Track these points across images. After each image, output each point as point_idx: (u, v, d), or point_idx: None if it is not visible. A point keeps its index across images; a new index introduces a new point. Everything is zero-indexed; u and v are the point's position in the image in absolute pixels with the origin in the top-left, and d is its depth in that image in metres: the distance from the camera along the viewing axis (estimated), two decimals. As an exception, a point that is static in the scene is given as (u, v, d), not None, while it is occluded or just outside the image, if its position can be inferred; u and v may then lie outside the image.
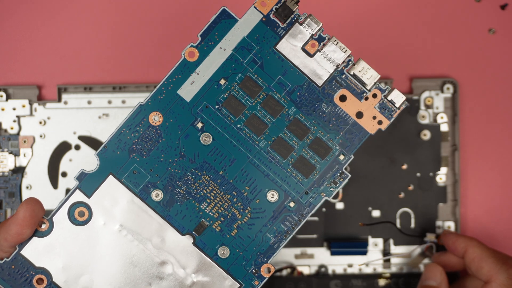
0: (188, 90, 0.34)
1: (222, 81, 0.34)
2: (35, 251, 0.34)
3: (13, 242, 0.33)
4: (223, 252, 0.35)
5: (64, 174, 0.50)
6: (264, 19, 0.34)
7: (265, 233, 0.35)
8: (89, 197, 0.34)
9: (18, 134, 0.50)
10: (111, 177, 0.34)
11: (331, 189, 0.35)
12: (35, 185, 0.50)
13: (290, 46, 0.34)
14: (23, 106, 0.50)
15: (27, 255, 0.34)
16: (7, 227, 0.33)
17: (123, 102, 0.50)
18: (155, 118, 0.34)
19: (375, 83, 0.34)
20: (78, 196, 0.34)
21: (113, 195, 0.34)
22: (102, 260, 0.34)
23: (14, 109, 0.50)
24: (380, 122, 0.34)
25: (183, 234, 0.34)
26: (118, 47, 0.51)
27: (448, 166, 0.51)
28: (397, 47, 0.52)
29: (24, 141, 0.50)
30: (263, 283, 0.35)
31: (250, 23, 0.34)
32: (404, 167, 0.51)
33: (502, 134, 0.52)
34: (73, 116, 0.50)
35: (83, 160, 0.50)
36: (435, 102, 0.51)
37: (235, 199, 0.35)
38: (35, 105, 0.50)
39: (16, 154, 0.50)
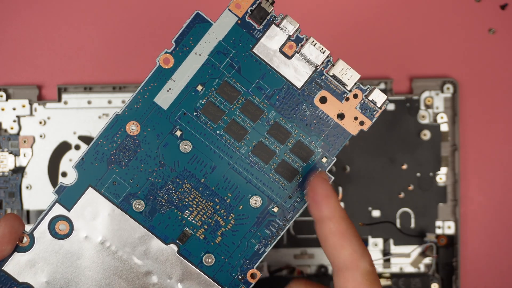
0: (164, 98, 0.33)
1: (199, 87, 0.33)
2: (17, 267, 0.33)
3: None
4: (208, 259, 0.34)
5: (64, 174, 0.50)
6: (239, 21, 0.33)
7: (250, 239, 0.34)
8: (69, 210, 0.33)
9: (18, 134, 0.49)
10: (90, 189, 0.33)
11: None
12: (35, 185, 0.50)
13: (267, 49, 0.33)
14: (23, 106, 0.50)
15: (9, 271, 0.33)
16: None
17: (123, 102, 0.50)
18: (133, 128, 0.33)
19: (355, 83, 0.33)
20: (58, 210, 0.33)
21: (94, 207, 0.33)
22: (87, 273, 0.33)
23: (14, 109, 0.49)
24: (362, 123, 0.33)
25: (166, 244, 0.34)
26: (118, 47, 0.51)
27: (448, 166, 0.50)
28: (397, 47, 0.52)
29: (24, 141, 0.50)
30: None
31: (225, 27, 0.33)
32: (404, 167, 0.50)
33: (502, 134, 0.52)
34: (73, 116, 0.50)
35: (83, 160, 0.50)
36: (435, 102, 0.51)
37: (218, 206, 0.34)
38: (35, 105, 0.49)
39: (16, 154, 0.49)
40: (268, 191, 0.34)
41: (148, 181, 0.34)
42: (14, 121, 0.49)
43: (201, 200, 0.34)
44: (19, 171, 0.49)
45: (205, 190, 0.34)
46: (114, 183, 0.33)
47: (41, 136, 0.49)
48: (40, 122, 0.49)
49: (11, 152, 0.49)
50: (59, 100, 0.49)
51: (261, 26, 0.33)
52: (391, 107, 0.50)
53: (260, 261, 0.34)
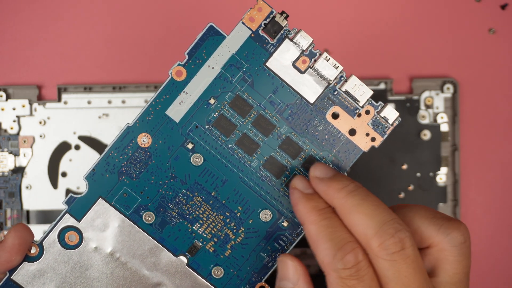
0: (176, 111, 0.33)
1: (212, 101, 0.33)
2: (26, 276, 0.33)
3: (2, 269, 0.32)
4: (217, 272, 0.34)
5: (64, 174, 0.50)
6: (253, 35, 0.32)
7: (259, 252, 0.34)
8: (79, 221, 0.33)
9: (18, 134, 0.49)
10: (100, 200, 0.33)
11: None
12: (35, 185, 0.49)
13: (281, 63, 0.32)
14: (23, 106, 0.49)
15: (18, 280, 0.33)
16: None
17: (123, 102, 0.50)
18: (144, 140, 0.33)
19: (367, 100, 0.33)
20: (68, 220, 0.33)
21: (104, 219, 0.33)
22: (95, 284, 0.33)
23: (14, 109, 0.49)
24: (373, 139, 0.33)
25: (176, 256, 0.33)
26: (118, 47, 0.51)
27: (448, 166, 0.50)
28: (397, 47, 0.51)
29: (24, 141, 0.49)
30: None
31: (238, 40, 0.32)
32: (404, 167, 0.50)
33: (502, 134, 0.52)
34: (73, 116, 0.50)
35: (83, 160, 0.50)
36: (435, 102, 0.50)
37: (228, 220, 0.33)
38: (35, 105, 0.49)
39: (16, 154, 0.49)
40: (278, 205, 0.34)
41: (159, 193, 0.33)
42: (14, 121, 0.49)
43: (212, 213, 0.33)
44: (19, 171, 0.49)
45: (216, 203, 0.33)
46: (124, 194, 0.33)
47: (41, 136, 0.49)
48: (40, 122, 0.49)
49: (11, 152, 0.49)
50: (59, 100, 0.49)
51: (275, 40, 0.32)
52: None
53: (268, 274, 0.34)
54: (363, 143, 0.33)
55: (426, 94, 0.50)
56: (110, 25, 0.50)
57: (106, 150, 0.33)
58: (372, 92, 0.33)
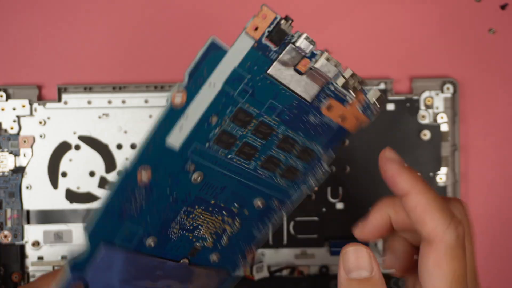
0: (176, 138, 0.30)
1: (213, 119, 0.31)
2: None
3: None
4: (215, 257, 0.35)
5: (64, 174, 0.50)
6: (255, 44, 0.30)
7: (251, 229, 0.35)
8: (84, 275, 0.31)
9: (18, 134, 0.49)
10: (102, 244, 0.31)
11: (313, 184, 0.34)
12: (35, 185, 0.50)
13: (282, 68, 0.31)
14: (23, 106, 0.49)
15: None
16: None
17: (123, 102, 0.50)
18: (143, 177, 0.30)
19: (361, 88, 0.32)
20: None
21: (107, 259, 0.31)
22: None
23: (14, 109, 0.49)
24: (361, 123, 0.33)
25: (178, 261, 0.34)
26: (118, 47, 0.51)
27: (448, 166, 0.50)
28: (397, 47, 0.51)
29: (24, 141, 0.49)
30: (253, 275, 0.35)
31: (241, 52, 0.30)
32: (404, 167, 0.50)
33: (502, 134, 0.52)
34: (73, 116, 0.50)
35: (83, 160, 0.50)
36: (435, 102, 0.51)
37: (226, 218, 0.34)
38: (35, 105, 0.49)
39: (16, 154, 0.49)
40: (273, 193, 0.34)
41: (161, 218, 0.32)
42: (14, 121, 0.49)
43: (211, 217, 0.34)
44: (19, 171, 0.49)
45: (215, 207, 0.33)
46: (126, 231, 0.32)
47: (41, 136, 0.49)
48: (40, 122, 0.49)
49: (11, 152, 0.49)
50: (59, 100, 0.49)
51: (278, 47, 0.31)
52: (391, 107, 0.50)
53: (256, 240, 0.35)
54: (352, 126, 0.34)
55: (426, 94, 0.50)
56: (110, 25, 0.50)
57: (106, 201, 0.31)
58: (363, 80, 0.33)
